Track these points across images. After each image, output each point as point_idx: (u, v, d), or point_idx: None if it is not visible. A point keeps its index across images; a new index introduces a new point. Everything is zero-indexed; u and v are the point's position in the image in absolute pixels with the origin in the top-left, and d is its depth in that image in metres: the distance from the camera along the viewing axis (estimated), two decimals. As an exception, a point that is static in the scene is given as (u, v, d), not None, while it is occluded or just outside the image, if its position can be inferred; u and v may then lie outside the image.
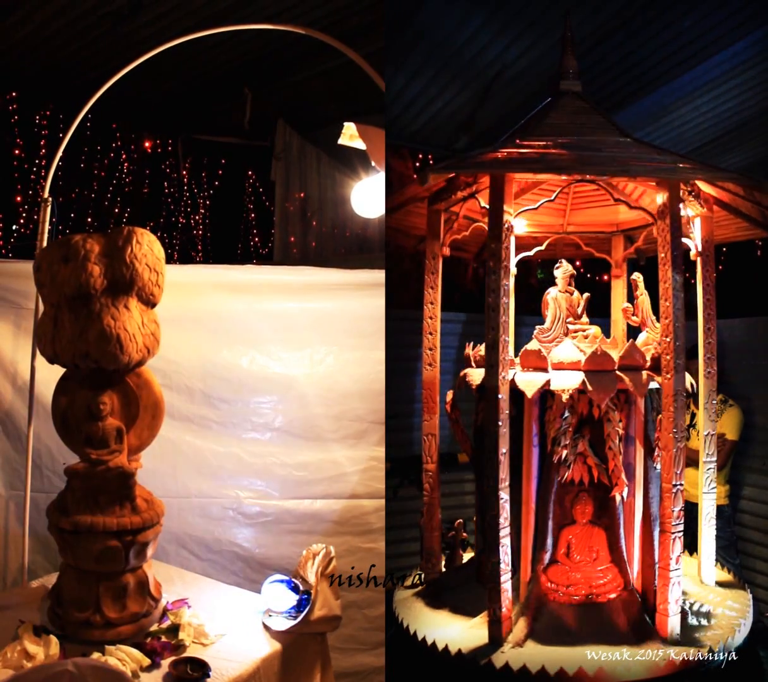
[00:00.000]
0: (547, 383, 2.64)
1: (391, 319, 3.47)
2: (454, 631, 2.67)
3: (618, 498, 2.70)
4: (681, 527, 2.54)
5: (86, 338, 2.43)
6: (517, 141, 2.63)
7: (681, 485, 2.53)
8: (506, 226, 2.53)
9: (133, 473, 2.57)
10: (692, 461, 4.14)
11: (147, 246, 2.56)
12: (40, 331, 2.54)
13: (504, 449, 2.52)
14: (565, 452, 2.69)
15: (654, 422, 2.76)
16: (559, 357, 2.69)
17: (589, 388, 2.58)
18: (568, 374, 2.64)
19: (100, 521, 2.48)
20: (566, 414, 2.69)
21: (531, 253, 3.37)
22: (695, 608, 2.74)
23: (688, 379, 2.87)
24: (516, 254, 3.35)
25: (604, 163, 2.53)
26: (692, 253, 2.94)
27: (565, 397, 2.66)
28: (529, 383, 2.64)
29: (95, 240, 2.51)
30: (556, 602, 2.67)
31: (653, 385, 2.68)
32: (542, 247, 3.36)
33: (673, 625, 2.53)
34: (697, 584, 2.95)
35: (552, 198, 2.69)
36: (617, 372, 2.62)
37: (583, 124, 2.75)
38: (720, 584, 2.96)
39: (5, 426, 3.43)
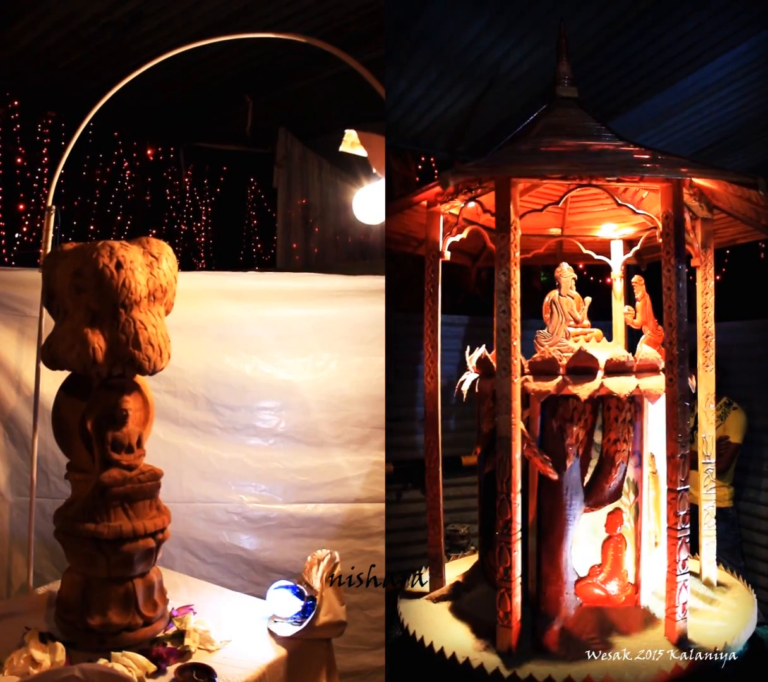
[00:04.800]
0: (461, 383, 2.94)
1: (393, 323, 3.49)
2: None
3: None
4: (510, 538, 2.46)
5: (133, 344, 2.46)
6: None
7: (509, 495, 2.46)
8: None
9: (162, 474, 2.63)
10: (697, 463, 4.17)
11: (173, 259, 2.66)
12: (69, 339, 2.46)
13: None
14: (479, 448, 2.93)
15: (558, 429, 2.69)
16: (473, 362, 2.89)
17: (476, 389, 2.85)
18: (471, 376, 2.91)
19: (140, 525, 2.52)
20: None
21: (528, 255, 3.36)
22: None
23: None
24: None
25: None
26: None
27: (464, 396, 2.91)
28: (460, 383, 3.00)
29: (134, 249, 2.53)
30: None
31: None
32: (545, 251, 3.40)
33: (504, 640, 2.47)
34: (699, 587, 2.93)
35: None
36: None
37: (581, 131, 2.76)
38: (720, 583, 2.94)
39: (11, 432, 3.45)
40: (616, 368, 2.64)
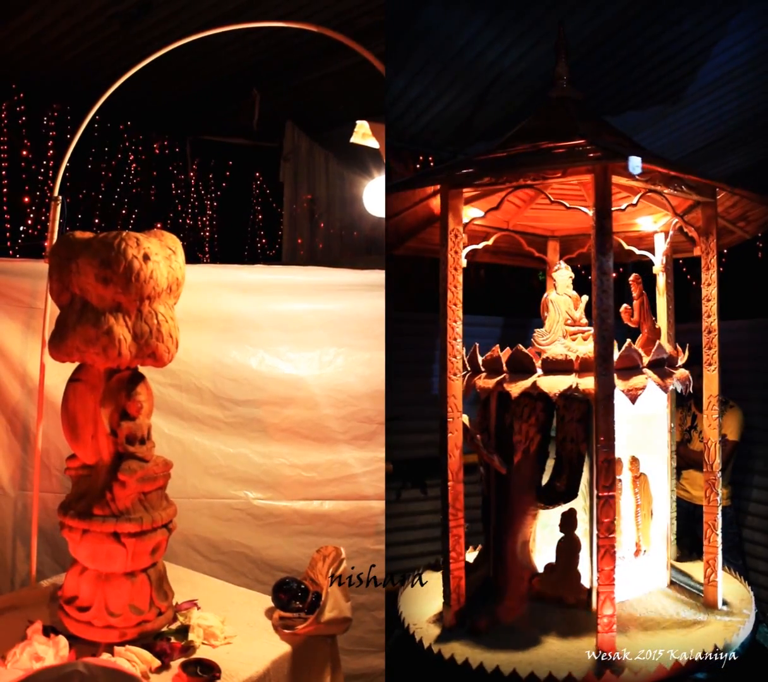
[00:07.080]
0: None
1: (391, 322, 3.48)
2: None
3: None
4: (448, 523, 2.57)
5: (157, 336, 2.45)
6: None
7: (446, 482, 2.57)
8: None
9: (172, 465, 2.63)
10: (694, 462, 4.15)
11: (183, 252, 2.66)
12: (91, 331, 2.40)
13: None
14: None
15: (509, 426, 2.71)
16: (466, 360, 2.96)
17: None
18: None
19: (157, 516, 2.52)
20: None
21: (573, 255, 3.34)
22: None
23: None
24: (562, 256, 3.43)
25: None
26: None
27: None
28: None
29: (155, 241, 2.50)
30: None
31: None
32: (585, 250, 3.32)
33: (446, 618, 2.57)
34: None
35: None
36: None
37: (554, 132, 2.70)
38: (726, 602, 2.83)
39: (14, 426, 3.42)
40: (553, 367, 2.63)
